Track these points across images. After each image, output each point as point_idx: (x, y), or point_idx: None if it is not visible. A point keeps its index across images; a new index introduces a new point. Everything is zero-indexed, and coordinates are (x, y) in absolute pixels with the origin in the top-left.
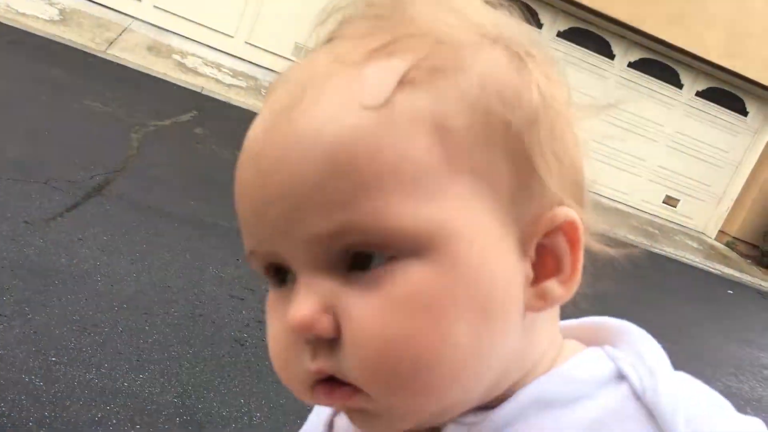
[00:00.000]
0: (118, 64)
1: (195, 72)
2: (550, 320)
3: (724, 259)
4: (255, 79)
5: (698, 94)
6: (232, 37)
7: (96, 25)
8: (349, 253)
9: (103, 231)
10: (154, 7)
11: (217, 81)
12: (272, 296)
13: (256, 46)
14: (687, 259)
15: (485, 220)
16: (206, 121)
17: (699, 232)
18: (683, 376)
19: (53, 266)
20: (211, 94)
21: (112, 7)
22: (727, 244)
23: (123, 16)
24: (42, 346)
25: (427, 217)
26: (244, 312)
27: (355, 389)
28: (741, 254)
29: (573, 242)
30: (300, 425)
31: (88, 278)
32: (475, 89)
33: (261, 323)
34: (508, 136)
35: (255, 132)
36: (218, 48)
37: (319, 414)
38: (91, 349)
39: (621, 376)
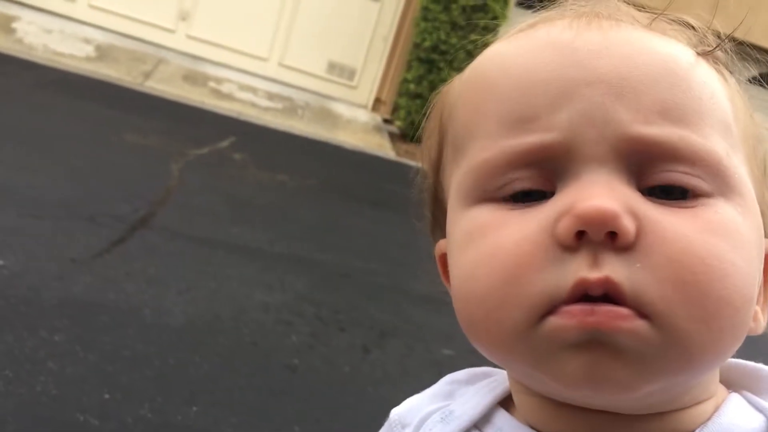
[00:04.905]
0: (155, 96)
1: (231, 98)
2: None
3: None
4: (290, 100)
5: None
6: (265, 60)
7: (131, 59)
8: (656, 177)
9: (149, 264)
10: (188, 36)
11: (253, 105)
12: (497, 213)
13: (290, 67)
14: None
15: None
16: (245, 145)
17: None
18: None
19: (102, 302)
20: (248, 119)
21: (146, 39)
22: None
23: (157, 48)
24: (94, 383)
25: (737, 164)
26: (293, 337)
27: (643, 312)
28: None
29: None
30: None
31: (136, 312)
32: (736, 88)
33: (311, 348)
34: (753, 144)
35: (551, 33)
36: (252, 72)
37: None
38: (143, 384)
39: None
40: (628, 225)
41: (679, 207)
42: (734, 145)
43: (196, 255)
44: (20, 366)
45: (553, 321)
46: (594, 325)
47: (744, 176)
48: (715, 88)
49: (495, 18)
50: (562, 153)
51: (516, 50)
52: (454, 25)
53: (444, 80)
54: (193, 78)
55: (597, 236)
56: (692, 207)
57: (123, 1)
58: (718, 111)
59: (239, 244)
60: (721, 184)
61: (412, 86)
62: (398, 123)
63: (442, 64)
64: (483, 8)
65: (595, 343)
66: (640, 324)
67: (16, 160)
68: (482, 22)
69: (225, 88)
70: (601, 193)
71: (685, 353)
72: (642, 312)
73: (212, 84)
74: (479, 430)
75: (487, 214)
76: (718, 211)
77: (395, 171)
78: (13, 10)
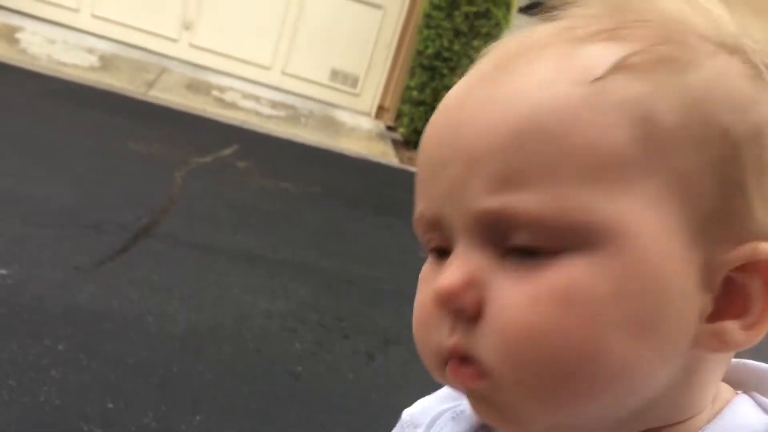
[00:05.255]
0: (158, 105)
1: (234, 106)
2: (720, 368)
3: None
4: (293, 108)
5: None
6: (268, 68)
7: (135, 69)
8: (510, 241)
9: (153, 271)
10: (191, 45)
11: (257, 113)
12: (427, 267)
13: (292, 75)
14: None
15: (669, 232)
16: (248, 153)
17: None
18: None
19: (105, 311)
20: (252, 127)
21: (149, 49)
22: None
23: (160, 57)
24: (98, 392)
25: (604, 212)
26: (297, 344)
27: (482, 373)
28: None
29: None
30: None
31: (140, 320)
32: (698, 89)
33: (314, 355)
34: (724, 145)
35: (457, 90)
36: (256, 80)
37: None
38: (146, 392)
39: None
40: (467, 300)
41: (528, 269)
42: (625, 183)
43: (199, 262)
44: (24, 374)
45: (446, 371)
46: (460, 382)
47: (628, 225)
48: (596, 128)
49: (498, 25)
50: (439, 223)
51: (446, 98)
52: (457, 32)
53: (447, 87)
54: (196, 87)
55: (451, 310)
56: (537, 265)
57: (126, 11)
58: (591, 154)
59: (242, 251)
60: (573, 239)
61: (415, 93)
62: (401, 130)
63: (445, 71)
64: (486, 15)
65: (474, 392)
66: (485, 383)
67: (19, 169)
68: (485, 29)
69: (228, 96)
70: (452, 270)
71: (527, 408)
72: (484, 374)
73: (215, 92)
74: (490, 428)
75: (425, 267)
76: (560, 272)
77: (398, 178)
78: (16, 20)
